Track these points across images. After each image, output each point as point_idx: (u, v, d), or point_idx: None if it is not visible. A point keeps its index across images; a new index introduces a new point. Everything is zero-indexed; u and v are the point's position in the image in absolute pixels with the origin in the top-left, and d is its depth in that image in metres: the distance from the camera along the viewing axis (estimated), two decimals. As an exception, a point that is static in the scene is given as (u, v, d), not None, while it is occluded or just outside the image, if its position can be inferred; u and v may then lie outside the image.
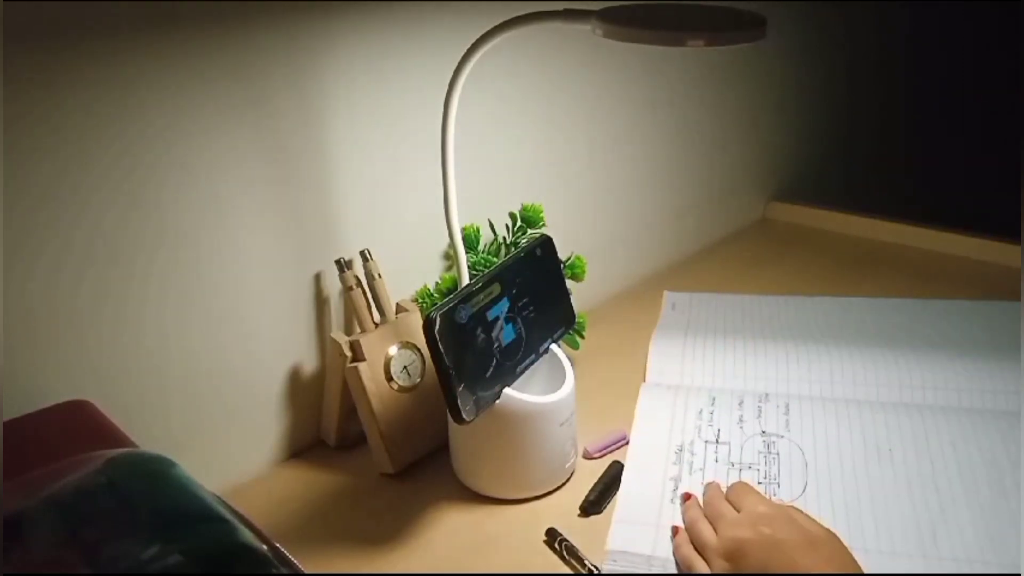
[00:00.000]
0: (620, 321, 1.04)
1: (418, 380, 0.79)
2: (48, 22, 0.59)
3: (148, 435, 0.61)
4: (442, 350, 0.64)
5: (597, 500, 0.74)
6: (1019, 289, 1.01)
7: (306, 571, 0.47)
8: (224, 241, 0.73)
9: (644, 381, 0.90)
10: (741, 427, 0.80)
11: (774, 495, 0.72)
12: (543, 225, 0.90)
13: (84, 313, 0.66)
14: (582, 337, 0.93)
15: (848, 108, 1.54)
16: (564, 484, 0.77)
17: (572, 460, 0.78)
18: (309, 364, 0.82)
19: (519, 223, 0.90)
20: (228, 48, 0.69)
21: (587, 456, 0.80)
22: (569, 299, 0.79)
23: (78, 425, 0.60)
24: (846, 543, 0.62)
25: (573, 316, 0.79)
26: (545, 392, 0.74)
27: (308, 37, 0.73)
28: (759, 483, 0.73)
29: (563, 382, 0.75)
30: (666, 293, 1.09)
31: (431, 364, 0.75)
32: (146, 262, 0.68)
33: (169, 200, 0.68)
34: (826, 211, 1.32)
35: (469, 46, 0.68)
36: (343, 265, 0.79)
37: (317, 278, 0.80)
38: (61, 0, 0.59)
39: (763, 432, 0.79)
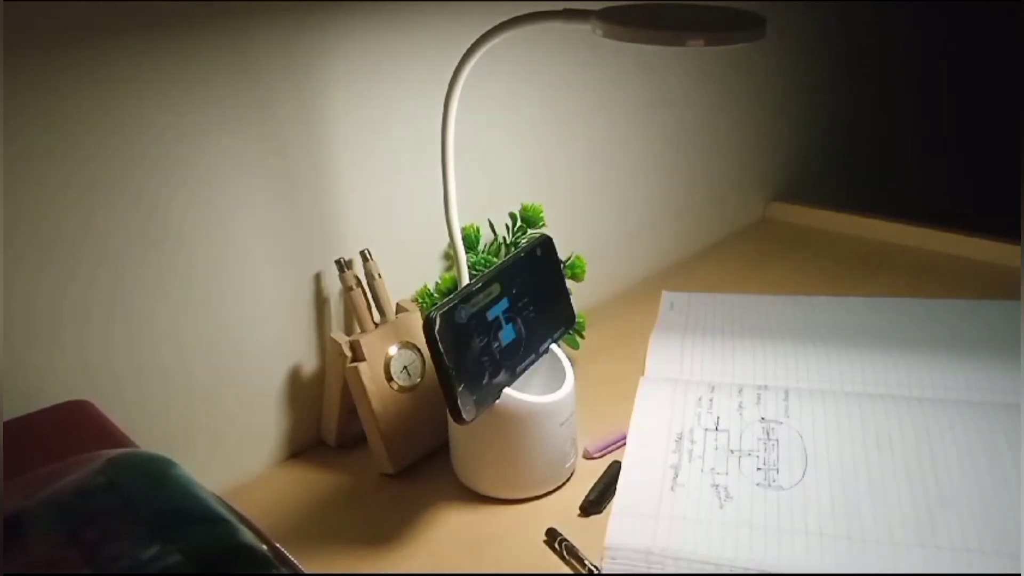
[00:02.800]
0: (620, 321, 1.04)
1: (418, 380, 0.79)
2: (47, 22, 0.59)
3: (148, 435, 0.61)
4: (442, 350, 0.64)
5: (597, 500, 0.74)
6: (1019, 289, 1.01)
7: (306, 571, 0.47)
8: (224, 241, 0.73)
9: (644, 375, 0.90)
10: (740, 414, 0.79)
11: (773, 481, 0.72)
12: (543, 225, 0.90)
13: (84, 313, 0.66)
14: (582, 337, 0.93)
15: (848, 108, 1.54)
16: (564, 484, 0.77)
17: (572, 460, 0.78)
18: (309, 364, 0.82)
19: (519, 223, 0.90)
20: (228, 48, 0.69)
21: (587, 456, 0.80)
22: (569, 299, 0.79)
23: (78, 425, 0.60)
24: (844, 534, 0.65)
25: (573, 316, 0.79)
26: (545, 392, 0.74)
27: (308, 36, 0.74)
28: (758, 469, 0.73)
29: (563, 382, 0.75)
30: (664, 293, 1.09)
31: (431, 364, 0.75)
32: (146, 261, 0.68)
33: (169, 200, 0.68)
34: (826, 211, 1.32)
35: (469, 46, 0.68)
36: (343, 265, 0.79)
37: (317, 278, 0.80)
38: (61, 0, 0.59)
39: (762, 419, 0.78)
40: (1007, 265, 1.14)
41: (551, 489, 0.76)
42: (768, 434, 0.77)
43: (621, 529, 0.68)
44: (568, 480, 0.78)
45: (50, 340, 0.64)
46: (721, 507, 0.70)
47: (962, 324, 0.98)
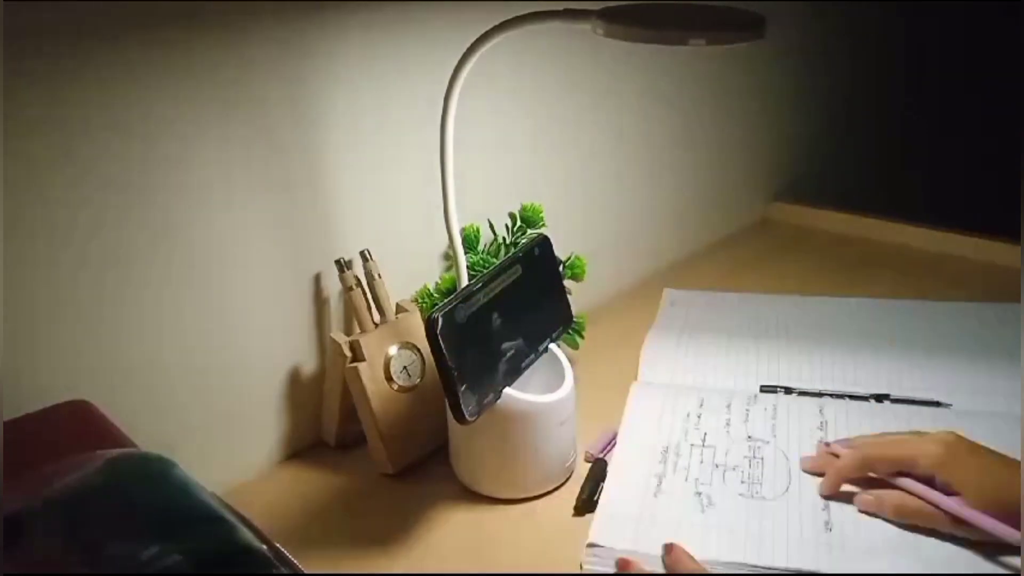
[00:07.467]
0: (620, 321, 1.04)
1: (418, 380, 0.79)
2: (48, 22, 0.59)
3: (148, 435, 0.61)
4: (444, 351, 0.64)
5: (589, 498, 0.74)
6: (1019, 290, 1.01)
7: (306, 571, 0.47)
8: (224, 241, 0.73)
9: (636, 379, 0.90)
10: (728, 431, 0.79)
11: (756, 493, 0.72)
12: (543, 225, 0.90)
13: (84, 313, 0.66)
14: (582, 337, 0.93)
15: (848, 108, 1.54)
16: (564, 484, 0.77)
17: (572, 460, 0.78)
18: (309, 364, 0.82)
19: (519, 223, 0.90)
20: (226, 48, 0.69)
21: (589, 459, 0.80)
22: (567, 298, 0.79)
23: (78, 425, 0.60)
24: (825, 541, 0.66)
25: (571, 315, 0.79)
26: (545, 392, 0.74)
27: (307, 36, 0.73)
28: (742, 482, 0.73)
29: (563, 382, 0.75)
30: (666, 290, 1.09)
31: (431, 364, 0.75)
32: (146, 262, 0.68)
33: (169, 200, 0.68)
34: (827, 211, 1.32)
35: (469, 46, 0.68)
36: (343, 265, 0.79)
37: (317, 278, 0.80)
38: (61, 0, 0.59)
39: (749, 437, 0.78)
40: (1007, 265, 1.14)
41: (551, 489, 0.76)
42: (754, 452, 0.76)
43: (604, 530, 0.69)
44: (568, 480, 0.78)
45: (50, 340, 0.64)
46: (703, 512, 0.70)
47: (961, 327, 0.97)
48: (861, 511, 0.69)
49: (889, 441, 0.71)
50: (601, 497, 0.73)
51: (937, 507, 0.65)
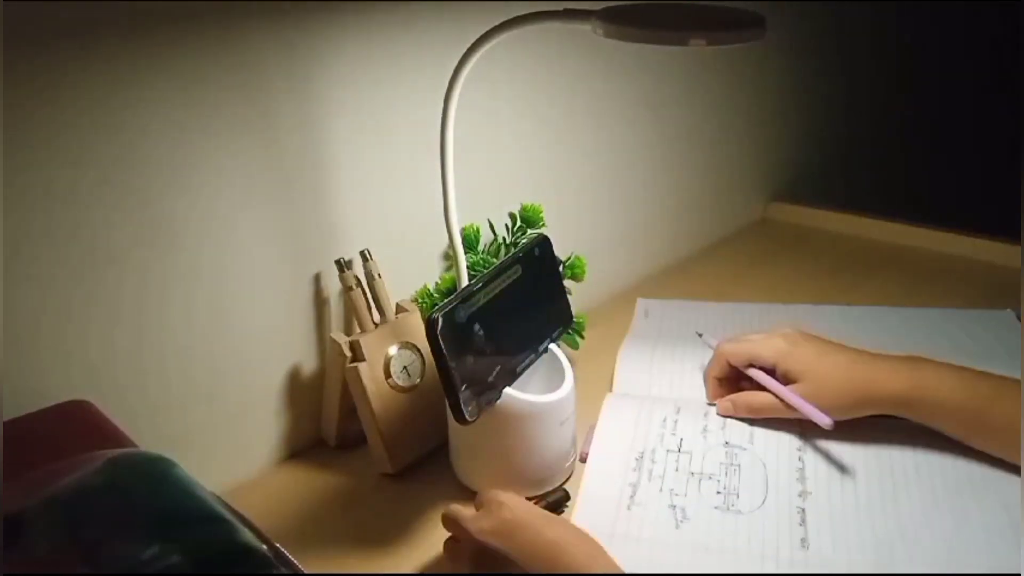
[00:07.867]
0: (619, 321, 1.04)
1: (418, 380, 0.79)
2: (49, 22, 0.59)
3: (148, 435, 0.61)
4: (444, 351, 0.64)
5: (557, 501, 0.74)
6: (1018, 290, 1.01)
7: (306, 571, 0.47)
8: (224, 241, 0.73)
9: (610, 391, 0.88)
10: (704, 437, 0.78)
11: (732, 506, 0.71)
12: (543, 225, 0.90)
13: (84, 313, 0.66)
14: (582, 337, 0.93)
15: (848, 108, 1.54)
16: (563, 484, 0.77)
17: (572, 460, 0.78)
18: (309, 364, 0.82)
19: (519, 223, 0.90)
20: (227, 48, 0.69)
21: (583, 459, 0.80)
22: (567, 298, 0.79)
23: (78, 425, 0.60)
24: (801, 560, 0.65)
25: (571, 316, 0.79)
26: (545, 392, 0.74)
27: (307, 35, 0.73)
28: (718, 493, 0.72)
29: (563, 382, 0.75)
30: (639, 300, 1.06)
31: (430, 364, 0.75)
32: (146, 262, 0.68)
33: (169, 200, 0.68)
34: (826, 211, 1.32)
35: (469, 46, 0.68)
36: (343, 265, 0.79)
37: (317, 278, 0.80)
38: (61, 0, 0.59)
39: (727, 443, 0.77)
40: (1007, 265, 1.14)
41: (550, 488, 0.76)
42: (731, 459, 0.76)
43: None
44: (567, 480, 0.78)
45: (51, 340, 0.64)
46: (677, 527, 0.69)
47: (943, 335, 0.95)
48: (721, 415, 0.80)
49: (742, 338, 0.82)
50: (575, 511, 0.72)
51: (770, 392, 0.77)
